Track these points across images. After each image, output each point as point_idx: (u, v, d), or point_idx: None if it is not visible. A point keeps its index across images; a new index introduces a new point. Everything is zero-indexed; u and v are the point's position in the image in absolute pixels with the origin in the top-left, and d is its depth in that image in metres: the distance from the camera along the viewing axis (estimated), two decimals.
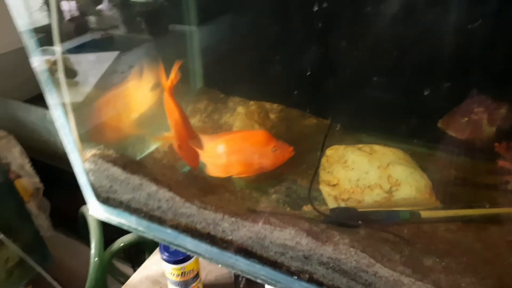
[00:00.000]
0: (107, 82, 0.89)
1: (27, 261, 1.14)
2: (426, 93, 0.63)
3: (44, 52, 0.67)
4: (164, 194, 0.65)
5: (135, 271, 0.98)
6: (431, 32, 0.60)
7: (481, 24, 0.54)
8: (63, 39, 0.99)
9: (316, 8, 0.66)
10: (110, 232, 1.13)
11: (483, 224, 0.56)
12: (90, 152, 0.71)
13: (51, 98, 0.69)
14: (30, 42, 0.65)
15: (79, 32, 0.95)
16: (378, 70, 0.69)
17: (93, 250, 1.07)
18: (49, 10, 0.68)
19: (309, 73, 0.76)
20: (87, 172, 0.72)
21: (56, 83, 0.69)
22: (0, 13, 1.30)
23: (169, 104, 0.77)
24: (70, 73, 0.81)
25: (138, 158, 0.84)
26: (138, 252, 1.23)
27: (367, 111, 0.76)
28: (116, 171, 0.68)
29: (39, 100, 1.15)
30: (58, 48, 0.67)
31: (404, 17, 0.60)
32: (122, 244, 1.08)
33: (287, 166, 0.76)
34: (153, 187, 0.66)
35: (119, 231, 1.12)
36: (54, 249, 1.38)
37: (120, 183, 0.69)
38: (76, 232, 1.42)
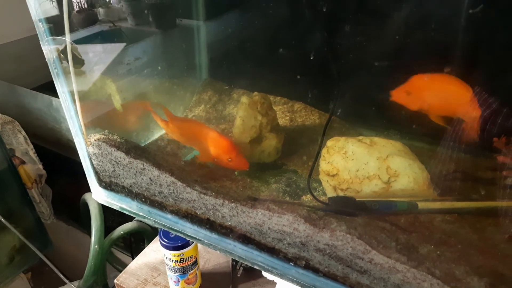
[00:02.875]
0: (112, 72, 0.91)
1: (29, 247, 1.15)
2: None
3: (53, 42, 0.69)
4: (166, 179, 0.66)
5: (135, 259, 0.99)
6: (432, 25, 0.61)
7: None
8: (71, 30, 1.01)
9: (320, 5, 0.67)
10: (110, 220, 1.15)
11: (479, 217, 0.57)
12: (95, 136, 0.72)
13: (59, 82, 0.70)
14: (41, 31, 0.67)
15: (87, 23, 0.97)
16: (380, 66, 0.70)
17: (93, 238, 1.08)
18: (57, 1, 0.70)
19: (311, 68, 0.77)
20: (91, 156, 0.74)
21: (63, 70, 0.71)
22: (11, 3, 1.33)
23: (193, 131, 0.78)
24: (78, 62, 0.83)
25: (142, 145, 0.85)
26: (137, 242, 1.24)
27: (369, 107, 0.77)
28: (120, 155, 0.69)
29: (45, 89, 1.17)
30: (66, 38, 0.68)
31: (406, 9, 0.61)
32: (122, 232, 1.09)
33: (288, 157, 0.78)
34: (155, 172, 0.67)
35: (120, 221, 1.14)
36: (54, 237, 1.40)
37: (123, 167, 0.70)
38: (76, 220, 1.44)
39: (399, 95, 0.75)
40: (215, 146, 0.74)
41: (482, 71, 0.64)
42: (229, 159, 0.71)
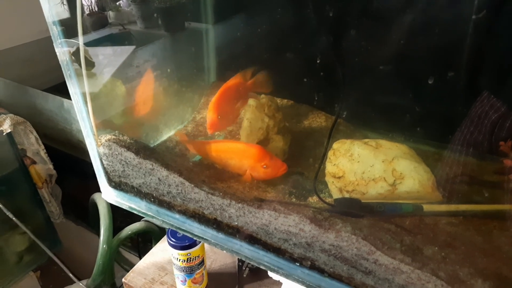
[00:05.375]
0: (122, 74, 0.93)
1: (39, 245, 1.17)
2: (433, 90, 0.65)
3: (64, 44, 0.71)
4: (174, 179, 0.68)
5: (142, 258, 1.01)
6: (439, 29, 0.62)
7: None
8: (82, 32, 1.03)
9: (325, 10, 0.68)
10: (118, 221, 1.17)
11: (484, 220, 0.57)
12: (105, 137, 0.74)
13: (71, 84, 0.72)
14: (54, 33, 0.69)
15: (97, 26, 0.99)
16: (385, 68, 0.70)
17: (102, 237, 1.10)
18: (68, 4, 0.72)
19: (318, 71, 0.78)
20: (101, 157, 0.75)
21: (75, 72, 0.72)
22: (22, 7, 1.36)
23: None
24: (88, 64, 0.85)
25: (151, 146, 0.86)
26: (145, 242, 1.25)
27: (374, 109, 0.77)
28: (129, 155, 0.71)
29: (56, 90, 1.19)
30: (79, 40, 0.70)
31: (412, 14, 0.62)
32: (130, 232, 1.11)
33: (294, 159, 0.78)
34: (164, 172, 0.68)
35: (128, 221, 1.15)
36: (63, 236, 1.42)
37: (133, 167, 0.71)
38: (85, 220, 1.46)
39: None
40: (245, 157, 0.73)
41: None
42: (264, 166, 0.70)
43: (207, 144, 0.78)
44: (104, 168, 0.77)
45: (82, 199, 1.28)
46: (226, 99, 0.79)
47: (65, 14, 0.72)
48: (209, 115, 0.78)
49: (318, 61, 0.77)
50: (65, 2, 0.73)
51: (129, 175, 0.73)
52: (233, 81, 0.81)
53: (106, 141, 0.73)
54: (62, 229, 1.43)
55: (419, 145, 0.75)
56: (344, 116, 0.79)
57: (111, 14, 1.03)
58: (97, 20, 1.00)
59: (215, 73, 1.07)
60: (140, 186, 0.73)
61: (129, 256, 1.38)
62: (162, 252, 0.99)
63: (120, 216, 1.20)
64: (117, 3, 1.06)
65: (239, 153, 0.75)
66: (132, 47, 0.96)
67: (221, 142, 0.79)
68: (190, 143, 0.82)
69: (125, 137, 0.74)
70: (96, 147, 0.75)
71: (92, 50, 0.84)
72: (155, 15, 1.02)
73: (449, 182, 0.64)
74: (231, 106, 0.81)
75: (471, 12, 0.55)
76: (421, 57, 0.68)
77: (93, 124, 0.73)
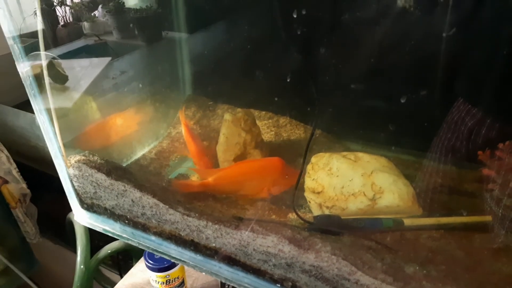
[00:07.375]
0: (97, 87, 0.89)
1: (13, 269, 1.12)
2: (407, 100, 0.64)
3: (34, 58, 0.67)
4: (148, 200, 0.65)
5: (122, 278, 0.97)
6: (413, 39, 0.61)
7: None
8: (55, 44, 0.99)
9: (300, 23, 0.67)
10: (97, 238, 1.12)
11: (465, 232, 0.57)
12: (75, 157, 0.71)
13: (36, 103, 0.69)
14: (16, 48, 0.65)
15: (72, 38, 0.96)
16: (361, 78, 0.70)
17: (79, 258, 1.05)
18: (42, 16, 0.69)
19: (295, 82, 0.77)
20: (72, 178, 0.72)
21: (43, 88, 0.69)
22: None
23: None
24: (61, 78, 0.81)
25: (124, 164, 0.83)
26: (125, 259, 1.22)
27: (353, 119, 0.76)
28: (101, 177, 0.68)
29: (29, 105, 1.15)
30: (42, 58, 0.66)
31: (386, 25, 0.61)
32: (109, 251, 1.07)
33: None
34: (137, 194, 0.66)
35: (107, 239, 1.11)
36: (40, 256, 1.37)
37: (104, 189, 0.68)
38: (63, 238, 1.41)
39: None
40: (268, 173, 0.69)
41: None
42: (287, 176, 0.67)
43: (221, 171, 0.72)
44: (75, 190, 0.73)
45: (59, 217, 1.23)
46: (195, 140, 0.83)
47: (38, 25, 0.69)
48: (202, 160, 0.78)
49: (295, 72, 0.75)
50: (38, 14, 0.70)
51: (101, 196, 0.70)
52: (184, 123, 0.87)
53: (75, 162, 0.70)
54: (39, 248, 1.38)
55: (399, 155, 0.74)
56: (322, 128, 0.77)
57: (86, 24, 1.00)
58: (71, 31, 0.97)
59: (191, 85, 1.04)
60: (113, 208, 0.70)
61: (110, 274, 1.34)
62: (142, 272, 0.95)
63: (98, 234, 1.16)
64: (92, 14, 1.03)
65: (261, 171, 0.70)
66: (108, 59, 0.93)
67: (237, 165, 0.72)
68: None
69: (96, 157, 0.71)
70: (65, 169, 0.72)
71: (66, 63, 0.81)
72: (131, 25, 0.99)
73: (429, 193, 0.63)
74: (199, 141, 0.85)
75: (441, 29, 0.55)
76: (398, 68, 0.67)
77: (61, 144, 0.70)
